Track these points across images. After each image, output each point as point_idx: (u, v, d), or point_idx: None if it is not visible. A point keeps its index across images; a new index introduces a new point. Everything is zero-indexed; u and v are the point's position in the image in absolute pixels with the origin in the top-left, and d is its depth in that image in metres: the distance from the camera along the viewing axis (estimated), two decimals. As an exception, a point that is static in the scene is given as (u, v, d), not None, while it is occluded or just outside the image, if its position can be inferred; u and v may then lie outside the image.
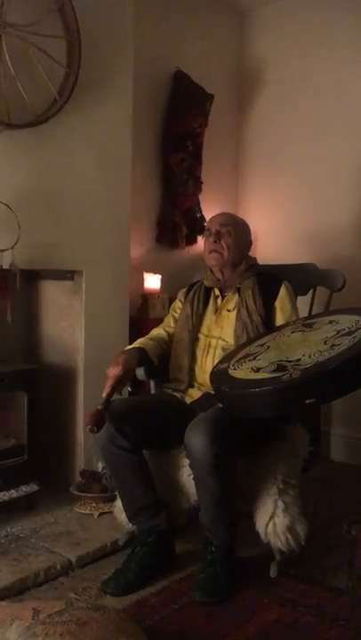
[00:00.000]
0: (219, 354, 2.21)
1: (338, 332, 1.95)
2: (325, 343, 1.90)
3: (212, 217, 2.40)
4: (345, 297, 2.55)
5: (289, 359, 1.88)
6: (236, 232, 2.30)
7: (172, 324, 2.41)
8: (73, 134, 2.60)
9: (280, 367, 1.86)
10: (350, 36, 3.40)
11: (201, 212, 3.57)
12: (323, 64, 3.51)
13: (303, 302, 2.49)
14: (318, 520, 2.35)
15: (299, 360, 1.85)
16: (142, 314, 3.17)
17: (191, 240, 3.55)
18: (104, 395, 2.08)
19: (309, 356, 1.85)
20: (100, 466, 2.62)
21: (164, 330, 2.40)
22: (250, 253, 2.39)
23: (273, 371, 1.85)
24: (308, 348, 1.89)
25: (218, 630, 1.82)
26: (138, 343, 2.30)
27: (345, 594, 2.01)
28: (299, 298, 2.38)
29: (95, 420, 1.96)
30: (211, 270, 2.34)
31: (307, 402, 1.80)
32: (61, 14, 2.43)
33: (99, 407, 2.01)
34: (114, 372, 2.12)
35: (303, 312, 2.40)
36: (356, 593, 1.99)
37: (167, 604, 1.94)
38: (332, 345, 1.87)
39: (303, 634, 1.81)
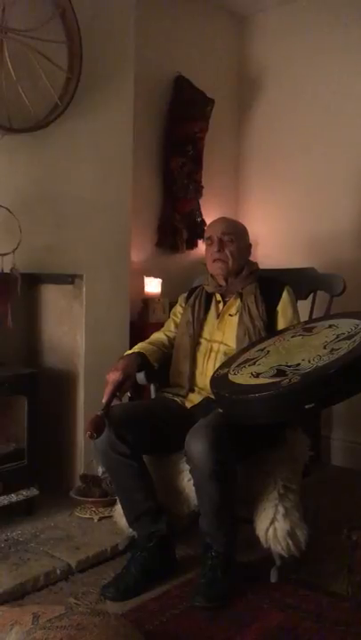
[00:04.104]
0: (220, 358, 2.21)
1: (337, 336, 1.94)
2: (325, 348, 1.89)
3: (212, 223, 2.40)
4: (345, 301, 2.55)
5: (288, 364, 1.88)
6: (238, 239, 2.31)
7: (172, 329, 2.41)
8: (74, 139, 2.60)
9: (280, 372, 1.85)
10: (350, 41, 3.41)
11: (201, 216, 3.58)
12: (323, 69, 3.52)
13: (303, 307, 2.49)
14: (319, 525, 2.34)
15: (298, 365, 1.85)
16: (143, 318, 3.18)
17: (192, 244, 3.55)
18: (104, 400, 2.08)
19: (309, 361, 1.84)
20: (100, 470, 2.61)
21: (165, 334, 2.41)
22: (250, 257, 2.40)
23: (273, 376, 1.85)
24: (308, 353, 1.89)
25: (218, 635, 1.82)
26: (138, 348, 2.31)
27: (345, 599, 2.01)
28: (299, 302, 2.38)
29: (94, 426, 1.96)
30: (212, 276, 2.34)
31: (306, 407, 1.79)
32: (63, 19, 2.44)
33: (98, 413, 2.01)
34: (113, 377, 2.12)
35: (303, 316, 2.40)
36: (357, 598, 2.00)
37: (167, 609, 1.93)
38: (332, 349, 1.86)
39: (303, 639, 1.80)
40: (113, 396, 2.10)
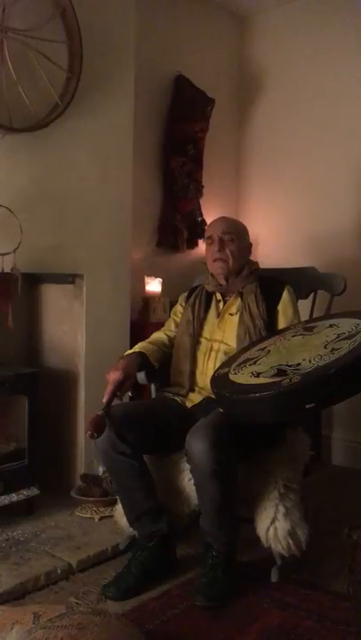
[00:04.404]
0: (220, 357, 2.21)
1: (338, 335, 1.94)
2: (326, 347, 1.89)
3: (212, 223, 2.40)
4: (346, 301, 2.55)
5: (289, 363, 1.88)
6: (239, 238, 2.31)
7: (172, 328, 2.41)
8: (74, 138, 2.60)
9: (280, 372, 1.85)
10: (350, 40, 3.40)
11: (202, 215, 3.58)
12: (323, 69, 3.52)
13: (304, 306, 2.49)
14: (319, 524, 2.34)
15: (299, 364, 1.85)
16: (143, 317, 3.18)
17: (192, 244, 3.55)
18: (104, 400, 2.08)
19: (309, 361, 1.84)
20: (100, 470, 2.62)
21: (165, 334, 2.41)
22: (251, 257, 2.40)
23: (273, 375, 1.85)
24: (309, 353, 1.89)
25: (218, 635, 1.82)
26: (138, 347, 2.31)
27: (346, 598, 2.01)
28: (299, 302, 2.38)
29: (95, 425, 1.96)
30: (212, 275, 2.35)
31: (307, 407, 1.79)
32: (63, 19, 2.44)
33: (99, 412, 2.01)
34: (114, 377, 2.12)
35: (304, 316, 2.40)
36: (358, 598, 2.00)
37: (168, 609, 1.93)
38: (333, 349, 1.86)
39: (304, 639, 1.80)
40: (114, 395, 2.10)
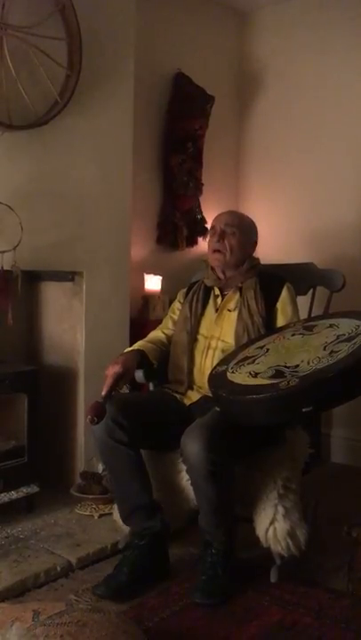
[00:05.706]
0: (218, 355, 2.20)
1: (338, 337, 1.92)
2: (325, 349, 1.88)
3: (219, 214, 2.37)
4: (345, 297, 2.54)
5: (287, 365, 1.86)
6: (241, 233, 2.28)
7: (170, 326, 2.40)
8: (74, 136, 2.60)
9: (278, 373, 1.84)
10: (350, 38, 3.39)
11: (201, 213, 3.57)
12: (323, 66, 3.51)
13: (303, 302, 2.49)
14: (319, 522, 2.35)
15: (297, 366, 1.84)
16: (143, 315, 3.17)
17: (192, 241, 3.55)
18: (103, 393, 2.08)
19: (308, 363, 1.83)
20: (100, 467, 2.62)
21: (163, 332, 2.40)
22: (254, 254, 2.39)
23: (271, 376, 1.84)
24: (308, 354, 1.88)
25: (218, 632, 1.82)
26: (137, 345, 2.31)
27: (345, 596, 2.01)
28: (298, 298, 2.37)
29: (95, 411, 1.98)
30: (212, 269, 2.34)
31: (303, 410, 1.77)
32: (62, 16, 2.43)
33: (99, 400, 2.02)
34: (113, 370, 2.12)
35: (303, 312, 2.40)
36: (357, 595, 2.00)
37: (167, 606, 1.94)
38: (332, 351, 1.84)
39: (304, 636, 1.81)
40: (112, 388, 2.10)
